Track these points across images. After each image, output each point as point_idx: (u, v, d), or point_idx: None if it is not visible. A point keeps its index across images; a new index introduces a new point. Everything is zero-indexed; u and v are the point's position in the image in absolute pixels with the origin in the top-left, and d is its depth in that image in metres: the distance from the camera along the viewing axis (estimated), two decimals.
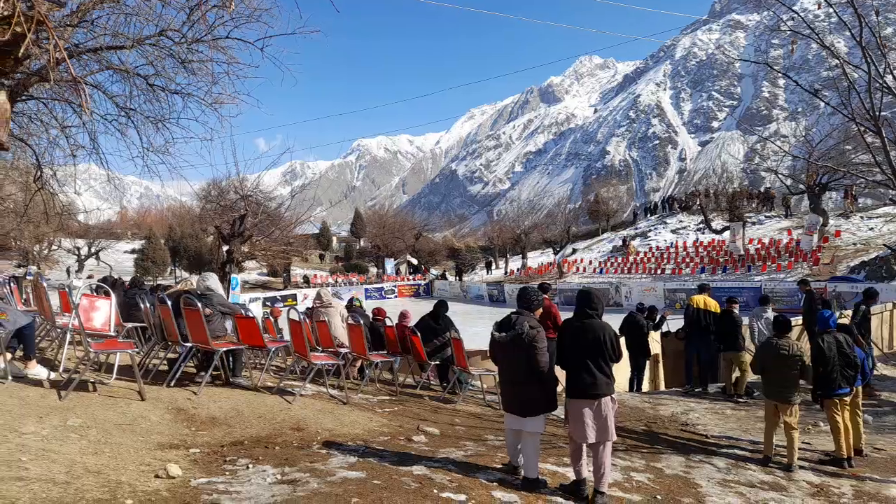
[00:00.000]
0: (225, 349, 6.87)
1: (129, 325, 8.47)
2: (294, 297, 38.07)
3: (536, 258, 50.17)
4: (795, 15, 8.02)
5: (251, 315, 7.69)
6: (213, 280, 7.46)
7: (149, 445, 4.67)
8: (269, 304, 33.28)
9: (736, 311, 10.27)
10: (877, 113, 6.44)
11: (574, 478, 4.80)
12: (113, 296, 6.86)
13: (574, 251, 48.06)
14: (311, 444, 5.26)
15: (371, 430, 6.07)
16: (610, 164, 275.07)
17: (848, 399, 6.71)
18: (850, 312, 13.28)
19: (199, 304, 6.50)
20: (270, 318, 12.46)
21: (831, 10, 7.96)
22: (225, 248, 22.62)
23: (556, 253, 47.35)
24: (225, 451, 4.77)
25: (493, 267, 51.09)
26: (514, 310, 4.97)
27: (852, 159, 24.18)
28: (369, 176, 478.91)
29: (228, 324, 7.44)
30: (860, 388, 6.99)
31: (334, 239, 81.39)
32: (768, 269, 29.35)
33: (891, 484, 5.87)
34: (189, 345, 6.71)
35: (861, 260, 26.47)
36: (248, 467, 4.35)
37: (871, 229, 31.44)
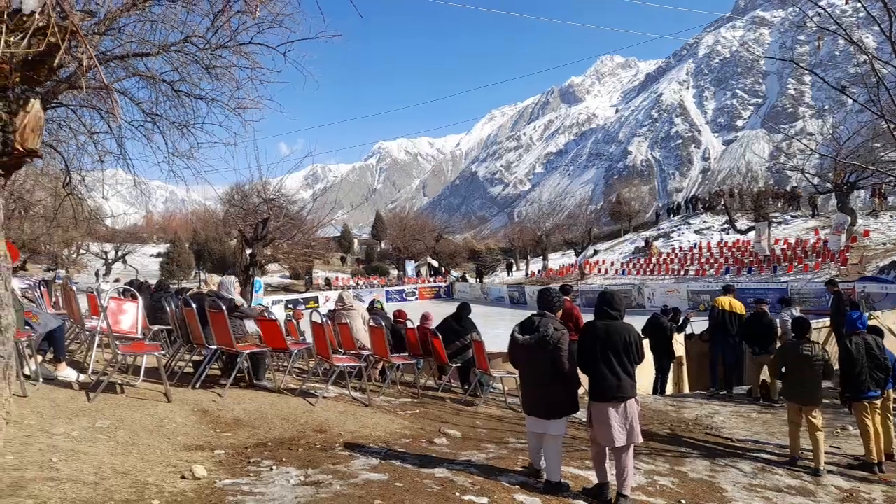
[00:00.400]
0: (248, 352, 6.96)
1: (156, 327, 8.61)
2: (316, 299, 38.35)
3: (558, 260, 49.90)
4: (822, 10, 7.88)
5: (273, 318, 7.78)
6: (228, 283, 7.57)
7: (175, 447, 4.75)
8: (291, 306, 33.59)
9: (768, 312, 10.13)
10: None
11: (597, 481, 4.77)
12: (140, 299, 6.99)
13: (596, 252, 47.70)
14: (333, 445, 5.30)
15: (393, 433, 6.10)
16: (632, 164, 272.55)
17: (878, 402, 6.57)
18: (879, 313, 13.00)
19: (224, 307, 6.59)
20: (293, 320, 12.57)
21: (859, 4, 7.80)
22: (248, 251, 22.88)
23: (577, 254, 47.03)
24: (249, 453, 4.83)
25: (514, 269, 50.90)
26: (535, 311, 4.96)
27: (881, 157, 23.58)
28: (390, 178, 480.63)
29: (250, 325, 7.53)
30: (891, 392, 6.84)
31: (355, 241, 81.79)
32: (795, 270, 28.82)
33: None
34: (214, 347, 6.81)
35: (891, 259, 25.84)
36: (271, 469, 4.40)
37: None
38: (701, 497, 5.05)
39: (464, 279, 49.59)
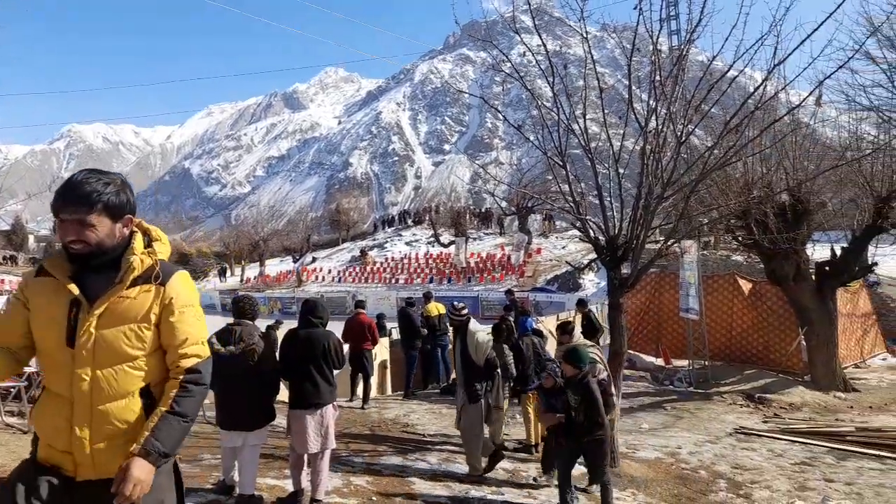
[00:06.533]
0: None
1: None
2: None
3: (276, 266, 48.80)
4: (508, 60, 9.15)
5: None
6: None
7: None
8: None
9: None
10: (565, 150, 7.66)
11: (292, 489, 4.77)
12: None
13: (314, 260, 47.94)
14: None
15: None
16: (352, 175, 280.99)
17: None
18: (544, 318, 15.58)
19: None
20: None
21: (538, 57, 9.27)
22: None
23: (295, 261, 46.67)
24: None
25: (229, 274, 48.34)
26: (231, 321, 4.77)
27: (550, 188, 28.39)
28: (82, 167, 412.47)
29: None
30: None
31: (31, 237, 69.06)
32: (485, 280, 32.91)
33: None
34: None
35: (555, 274, 31.27)
36: None
37: (563, 248, 37.34)
38: (391, 492, 5.39)
39: None
